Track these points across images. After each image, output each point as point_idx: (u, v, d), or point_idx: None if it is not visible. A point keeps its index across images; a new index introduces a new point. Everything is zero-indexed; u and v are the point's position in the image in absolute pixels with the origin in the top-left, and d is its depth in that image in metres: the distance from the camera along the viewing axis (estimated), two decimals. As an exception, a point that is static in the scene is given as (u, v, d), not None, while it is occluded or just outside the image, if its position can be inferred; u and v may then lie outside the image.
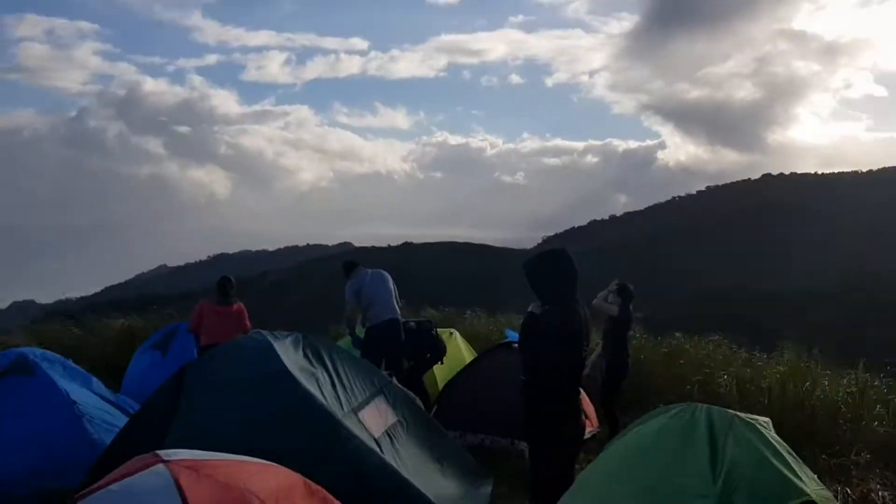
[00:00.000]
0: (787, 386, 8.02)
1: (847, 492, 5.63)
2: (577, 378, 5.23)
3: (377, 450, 5.49)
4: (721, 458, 3.64)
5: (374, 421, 5.91)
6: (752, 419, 3.95)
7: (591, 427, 8.70)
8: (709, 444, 3.74)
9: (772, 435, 3.90)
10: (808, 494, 3.46)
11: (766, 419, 4.10)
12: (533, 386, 5.15)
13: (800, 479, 3.55)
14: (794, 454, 3.88)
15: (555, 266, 5.26)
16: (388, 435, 5.98)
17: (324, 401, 5.47)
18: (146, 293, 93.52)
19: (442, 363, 9.73)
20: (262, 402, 5.39)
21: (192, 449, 3.88)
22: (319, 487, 3.57)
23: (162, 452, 3.10)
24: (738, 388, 8.56)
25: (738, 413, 3.98)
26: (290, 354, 5.74)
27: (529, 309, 5.25)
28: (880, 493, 5.51)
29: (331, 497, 3.63)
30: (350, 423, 5.52)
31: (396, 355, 9.00)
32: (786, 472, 3.57)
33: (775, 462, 3.61)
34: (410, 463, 5.86)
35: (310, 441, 5.21)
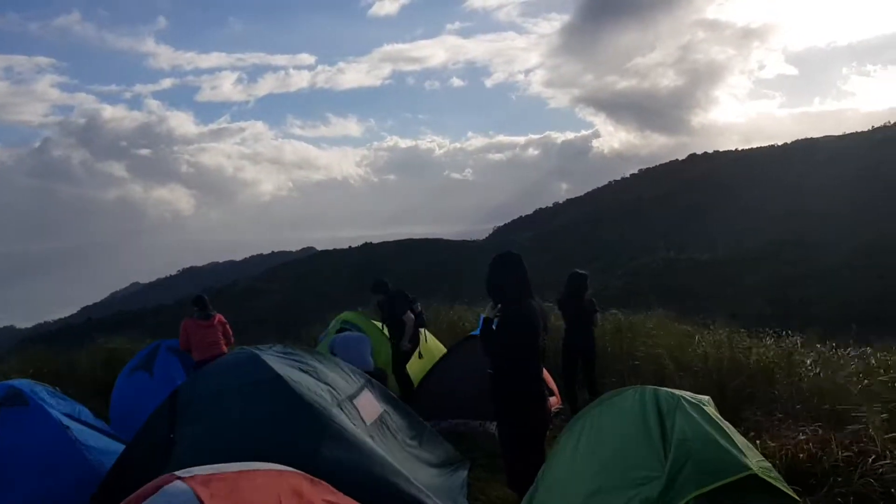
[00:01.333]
0: (722, 352, 8.24)
1: (782, 448, 5.80)
2: (539, 368, 5.25)
3: (369, 440, 5.52)
4: (669, 438, 3.73)
5: (367, 409, 5.99)
6: (696, 399, 4.07)
7: (556, 404, 8.87)
8: (658, 425, 3.83)
9: (714, 413, 4.02)
10: (751, 468, 3.55)
11: (707, 398, 4.22)
12: (499, 381, 5.20)
13: (742, 453, 3.65)
14: (735, 430, 4.01)
15: (502, 268, 5.31)
16: (380, 422, 6.07)
17: (314, 398, 5.48)
18: (122, 310, 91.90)
19: (421, 356, 9.76)
20: (255, 407, 5.37)
21: (195, 460, 3.89)
22: (320, 480, 3.61)
23: (178, 472, 3.09)
24: (677, 358, 8.76)
25: (684, 393, 4.09)
26: (275, 362, 5.75)
27: (484, 314, 5.29)
28: (809, 444, 5.71)
29: (332, 488, 3.66)
30: (346, 411, 5.58)
31: None
32: (730, 447, 3.66)
33: (719, 439, 3.70)
34: (397, 450, 5.94)
35: (304, 438, 5.23)
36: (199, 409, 5.34)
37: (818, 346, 8.73)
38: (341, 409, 5.70)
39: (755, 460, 3.70)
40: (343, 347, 8.35)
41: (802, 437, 5.86)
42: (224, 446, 4.87)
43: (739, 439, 3.86)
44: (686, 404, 3.92)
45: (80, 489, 5.63)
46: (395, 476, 5.24)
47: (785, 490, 3.63)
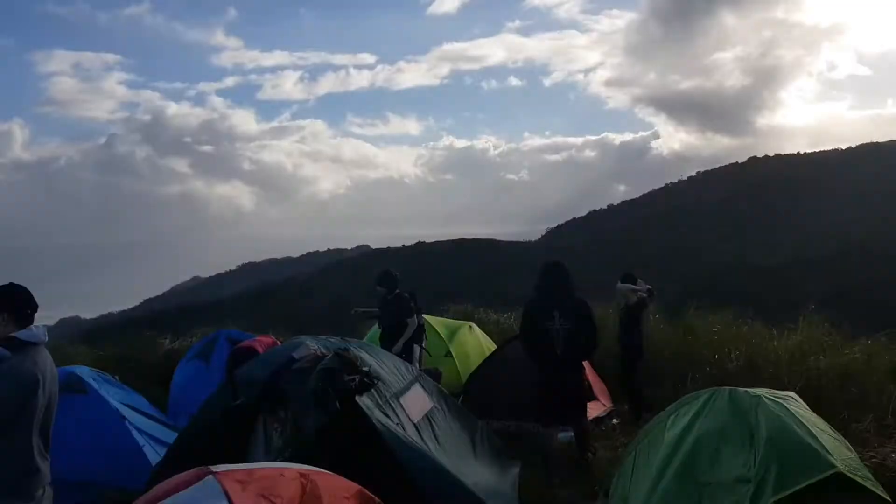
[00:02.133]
0: (796, 357, 7.91)
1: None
2: (546, 341, 6.58)
3: (416, 439, 5.42)
4: (754, 442, 3.55)
5: (414, 406, 5.90)
6: (780, 396, 3.86)
7: (605, 406, 8.65)
8: (741, 430, 3.65)
9: (800, 409, 3.80)
10: (836, 466, 3.36)
11: (792, 393, 4.00)
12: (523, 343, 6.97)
13: (828, 451, 3.45)
14: (828, 424, 3.78)
15: (541, 273, 6.83)
16: (428, 419, 5.97)
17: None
18: (182, 304, 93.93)
19: (424, 348, 9.41)
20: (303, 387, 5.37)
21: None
22: (374, 497, 3.44)
23: (214, 467, 3.01)
24: (749, 362, 8.44)
25: (764, 391, 3.88)
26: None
27: None
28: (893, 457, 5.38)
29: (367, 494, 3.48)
30: (389, 411, 5.49)
31: None
32: (815, 445, 3.47)
33: (804, 436, 3.51)
34: (448, 445, 5.84)
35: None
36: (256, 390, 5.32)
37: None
38: (396, 398, 5.68)
39: (842, 457, 3.50)
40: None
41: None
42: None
43: (828, 434, 3.65)
44: (768, 402, 3.73)
45: (135, 476, 5.67)
46: (439, 474, 5.13)
47: (872, 489, 3.40)
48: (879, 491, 3.47)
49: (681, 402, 4.24)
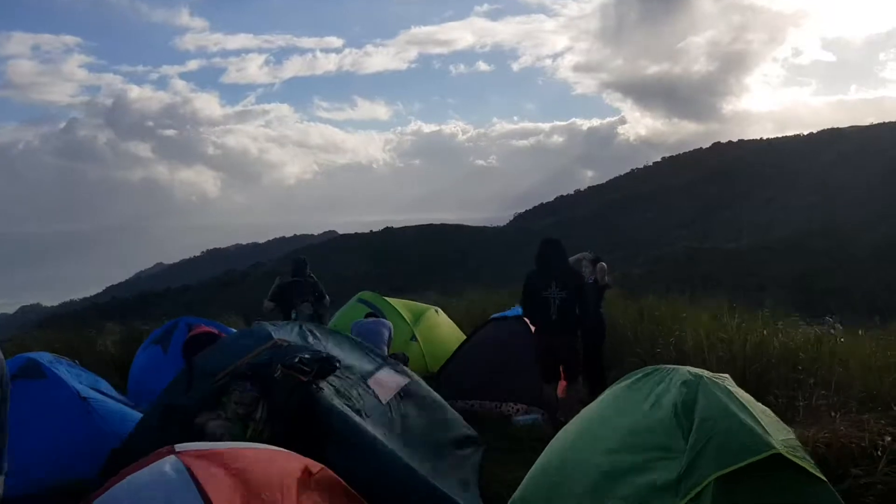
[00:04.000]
0: (748, 337, 8.07)
1: (807, 435, 5.63)
2: (544, 309, 7.49)
3: (370, 431, 5.40)
4: (691, 416, 3.62)
5: (383, 388, 5.96)
6: (718, 377, 3.94)
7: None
8: (680, 403, 3.72)
9: (738, 390, 3.89)
10: (775, 447, 3.42)
11: (726, 375, 4.09)
12: (524, 311, 7.99)
13: (767, 432, 3.52)
14: (763, 406, 3.86)
15: (540, 248, 7.75)
16: (398, 398, 6.04)
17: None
18: (146, 290, 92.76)
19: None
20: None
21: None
22: (322, 466, 3.51)
23: (176, 445, 3.06)
24: (702, 343, 8.60)
25: (703, 372, 3.96)
26: (293, 339, 5.70)
27: None
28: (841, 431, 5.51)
29: (332, 473, 3.58)
30: (355, 392, 5.52)
31: None
32: (753, 425, 3.54)
33: (743, 417, 3.59)
34: (416, 425, 5.89)
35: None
36: (207, 380, 5.30)
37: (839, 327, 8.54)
38: (363, 380, 5.72)
39: (780, 438, 3.57)
40: (359, 333, 8.47)
41: (838, 424, 5.67)
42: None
43: (765, 416, 3.73)
44: (707, 381, 3.81)
45: (98, 459, 5.64)
46: (398, 465, 5.13)
47: (811, 469, 3.48)
48: (817, 472, 3.53)
49: (627, 376, 4.31)
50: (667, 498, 3.38)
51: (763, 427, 3.55)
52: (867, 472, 4.93)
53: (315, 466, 3.43)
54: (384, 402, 5.81)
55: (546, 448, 4.51)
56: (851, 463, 5.09)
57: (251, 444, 3.43)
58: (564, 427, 4.57)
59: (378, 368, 6.26)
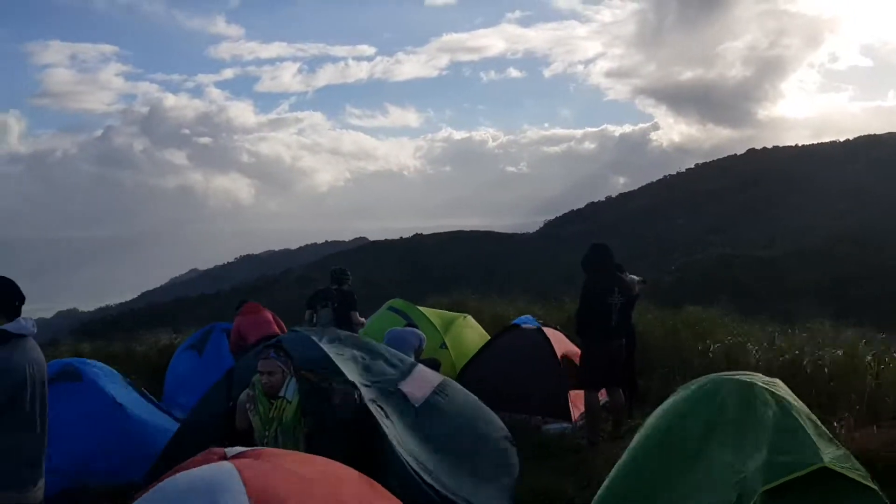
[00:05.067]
0: (778, 349, 7.97)
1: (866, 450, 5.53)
2: (607, 315, 7.46)
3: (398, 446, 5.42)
4: (746, 429, 3.60)
5: (416, 388, 6.01)
6: (768, 381, 3.87)
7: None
8: (734, 418, 3.69)
9: (788, 396, 3.81)
10: (823, 460, 3.37)
11: (779, 381, 4.01)
12: (582, 315, 7.68)
13: (815, 444, 3.47)
14: (812, 416, 3.78)
15: (588, 252, 7.77)
16: (436, 395, 6.12)
17: (357, 381, 5.46)
18: (180, 296, 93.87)
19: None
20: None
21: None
22: (379, 485, 3.40)
23: (227, 449, 3.02)
24: (729, 354, 8.52)
25: (757, 377, 3.89)
26: (326, 345, 5.76)
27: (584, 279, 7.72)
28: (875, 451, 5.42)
29: (389, 494, 3.44)
30: (386, 405, 5.55)
31: None
32: (803, 438, 3.51)
33: (793, 428, 3.56)
34: (453, 424, 5.97)
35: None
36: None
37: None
38: (395, 387, 5.76)
39: (829, 450, 3.51)
40: (389, 340, 8.63)
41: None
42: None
43: (813, 425, 3.67)
44: (761, 388, 3.75)
45: (131, 463, 5.73)
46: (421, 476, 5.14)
47: (860, 480, 3.41)
48: (867, 481, 3.47)
49: (677, 393, 4.24)
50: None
51: (811, 438, 3.50)
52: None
53: (378, 486, 3.35)
54: (419, 402, 5.84)
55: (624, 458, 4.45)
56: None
57: (315, 456, 3.38)
58: (628, 453, 4.52)
59: (410, 370, 6.30)
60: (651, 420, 4.34)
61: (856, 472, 3.48)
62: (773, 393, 3.79)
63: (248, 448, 3.09)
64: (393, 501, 3.35)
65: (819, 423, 3.83)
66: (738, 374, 4.08)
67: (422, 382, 6.22)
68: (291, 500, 2.77)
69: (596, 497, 4.22)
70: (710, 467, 3.63)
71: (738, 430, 3.64)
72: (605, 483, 4.24)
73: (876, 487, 3.48)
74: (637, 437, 4.33)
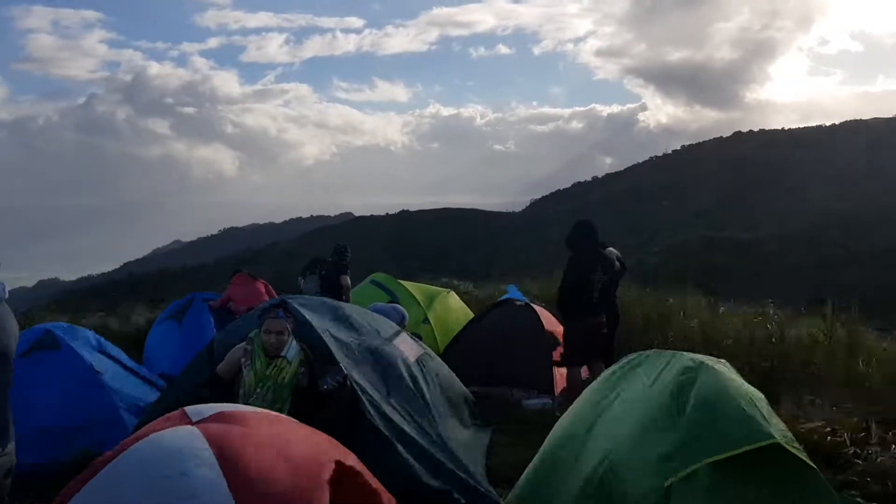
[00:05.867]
0: (753, 331, 8.07)
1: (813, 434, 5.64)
2: (589, 292, 7.48)
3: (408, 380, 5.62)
4: (688, 398, 3.62)
5: (408, 348, 6.13)
6: (718, 362, 3.94)
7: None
8: (677, 385, 3.72)
9: (736, 377, 3.89)
10: (774, 437, 3.41)
11: (724, 361, 4.09)
12: (565, 293, 7.66)
13: (766, 421, 3.52)
14: (760, 394, 3.85)
15: (573, 229, 7.78)
16: (420, 362, 6.16)
17: (341, 349, 5.47)
18: (163, 267, 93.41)
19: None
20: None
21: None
22: (351, 454, 3.34)
23: (188, 409, 2.95)
24: (706, 335, 8.62)
25: (704, 358, 3.96)
26: (309, 311, 5.75)
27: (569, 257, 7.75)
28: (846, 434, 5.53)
29: (362, 466, 3.40)
30: (388, 348, 5.79)
31: None
32: (753, 413, 3.54)
33: (743, 404, 3.59)
34: (436, 394, 5.99)
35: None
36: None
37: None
38: (389, 341, 5.91)
39: (779, 428, 3.57)
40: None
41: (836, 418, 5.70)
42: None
43: (761, 404, 3.74)
44: (708, 367, 3.81)
45: (108, 432, 5.72)
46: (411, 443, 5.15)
47: (806, 461, 3.48)
48: (811, 463, 3.53)
49: (627, 358, 4.33)
50: (664, 468, 3.41)
51: (762, 415, 3.55)
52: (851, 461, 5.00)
53: (347, 453, 3.29)
54: (411, 360, 5.95)
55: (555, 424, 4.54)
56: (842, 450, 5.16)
57: (283, 416, 3.34)
58: (572, 407, 4.61)
59: (397, 334, 6.38)
60: (596, 385, 4.43)
61: (800, 451, 3.55)
62: (719, 371, 3.85)
63: (212, 411, 3.00)
64: (361, 467, 3.34)
65: (766, 402, 3.89)
66: (685, 354, 4.13)
67: (410, 345, 6.35)
68: (262, 463, 2.71)
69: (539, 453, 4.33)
70: (644, 434, 3.68)
71: (679, 397, 3.67)
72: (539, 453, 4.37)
73: (814, 467, 3.56)
74: (583, 398, 4.43)
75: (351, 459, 3.26)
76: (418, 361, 6.16)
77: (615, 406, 3.99)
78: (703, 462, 3.30)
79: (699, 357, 3.98)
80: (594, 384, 4.46)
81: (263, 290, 9.73)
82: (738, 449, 3.33)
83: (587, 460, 3.80)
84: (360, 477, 3.28)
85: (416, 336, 8.84)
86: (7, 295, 3.77)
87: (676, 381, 3.73)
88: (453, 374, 6.92)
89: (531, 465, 4.42)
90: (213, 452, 2.66)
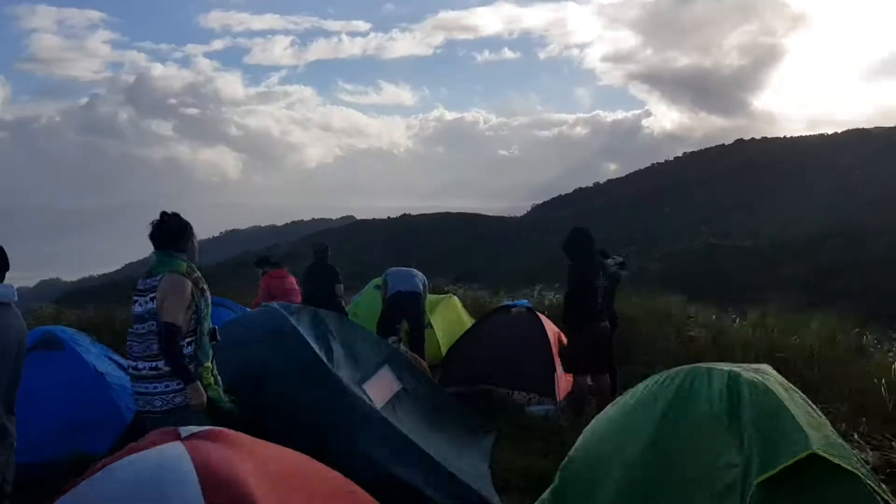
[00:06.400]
0: (758, 336, 8.06)
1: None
2: (594, 298, 7.51)
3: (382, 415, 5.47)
4: (737, 423, 3.55)
5: (377, 392, 5.89)
6: (754, 368, 3.86)
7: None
8: (726, 411, 3.63)
9: (778, 380, 3.80)
10: (811, 447, 3.34)
11: (766, 366, 4.00)
12: (570, 301, 7.68)
13: (805, 429, 3.45)
14: (802, 396, 3.78)
15: (570, 237, 7.72)
16: (392, 404, 5.97)
17: (330, 364, 5.47)
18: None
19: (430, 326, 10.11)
20: (275, 359, 5.47)
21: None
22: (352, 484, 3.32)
23: (181, 429, 2.90)
24: (714, 340, 8.60)
25: (741, 366, 3.88)
26: (301, 324, 5.74)
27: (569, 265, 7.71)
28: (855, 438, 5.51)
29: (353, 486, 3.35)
30: (357, 389, 5.51)
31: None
32: (793, 425, 3.49)
33: (781, 414, 3.54)
34: (411, 428, 5.77)
35: (320, 402, 5.23)
36: (219, 355, 5.35)
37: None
38: (358, 386, 5.68)
39: (820, 435, 3.49)
40: (397, 277, 9.72)
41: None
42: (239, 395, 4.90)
43: (804, 407, 3.67)
44: (745, 378, 3.73)
45: (111, 434, 5.71)
46: (409, 448, 5.20)
47: (852, 469, 3.39)
48: (857, 471, 3.44)
49: (653, 380, 4.18)
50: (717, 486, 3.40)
51: (802, 423, 3.49)
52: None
53: (342, 481, 3.29)
54: (378, 406, 5.70)
55: (580, 439, 4.44)
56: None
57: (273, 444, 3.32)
58: (597, 417, 4.51)
59: (377, 368, 6.18)
60: (624, 399, 4.32)
61: (844, 459, 3.45)
62: (756, 382, 3.76)
63: (203, 428, 2.98)
64: (352, 486, 3.32)
65: (812, 407, 3.83)
66: (720, 365, 4.03)
67: (383, 386, 6.12)
68: (248, 484, 2.64)
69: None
70: (696, 459, 3.62)
71: (720, 422, 3.61)
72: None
73: (859, 473, 3.46)
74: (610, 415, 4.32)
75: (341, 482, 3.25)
76: (390, 403, 5.98)
77: (659, 420, 3.87)
78: (756, 482, 3.25)
79: (736, 369, 3.88)
80: (637, 393, 4.29)
81: (296, 286, 10.02)
82: (779, 466, 3.27)
83: (629, 473, 3.76)
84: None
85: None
86: (16, 297, 3.79)
87: (725, 398, 3.67)
88: (440, 399, 6.81)
89: (563, 465, 4.32)
90: (198, 477, 2.60)
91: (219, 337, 4.73)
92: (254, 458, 2.84)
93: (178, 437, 2.82)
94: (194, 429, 2.92)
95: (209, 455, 2.71)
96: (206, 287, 4.62)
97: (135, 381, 4.50)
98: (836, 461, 3.37)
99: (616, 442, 4.02)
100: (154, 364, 4.39)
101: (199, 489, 2.55)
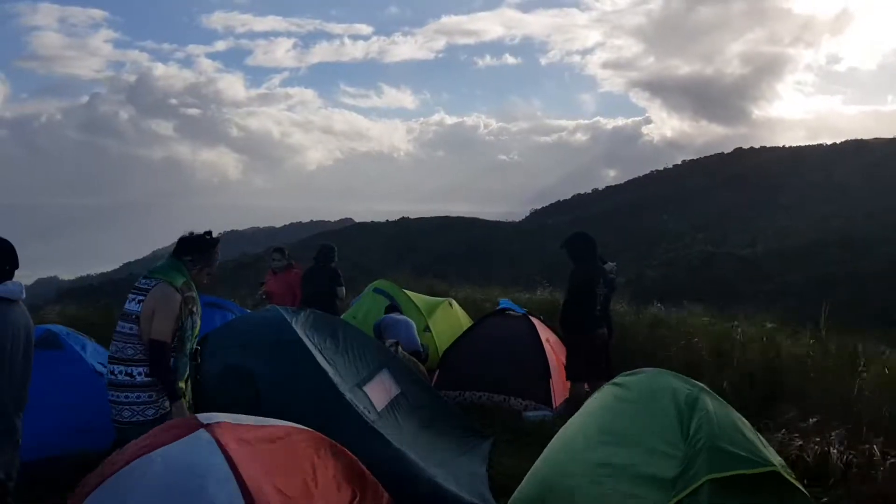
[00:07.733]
0: (752, 347, 8.09)
1: (806, 451, 5.65)
2: (594, 303, 7.53)
3: (376, 421, 5.45)
4: (692, 418, 3.61)
5: (377, 395, 5.89)
6: (707, 390, 3.95)
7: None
8: (682, 405, 3.70)
9: (730, 408, 3.90)
10: (775, 465, 3.41)
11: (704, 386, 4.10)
12: (570, 306, 7.70)
13: (766, 448, 3.54)
14: (751, 427, 3.88)
15: (575, 241, 7.75)
16: (391, 407, 5.97)
17: (330, 370, 5.47)
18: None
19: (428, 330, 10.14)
20: (275, 366, 5.43)
21: (210, 408, 3.80)
22: (346, 451, 3.48)
23: (201, 416, 2.98)
24: (711, 351, 8.62)
25: (697, 383, 3.97)
26: (301, 327, 5.74)
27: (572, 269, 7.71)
28: (836, 451, 5.54)
29: (356, 459, 3.54)
30: (354, 397, 5.49)
31: None
32: (754, 439, 3.56)
33: (744, 429, 3.61)
34: (410, 432, 5.85)
35: (316, 407, 5.23)
36: (219, 359, 5.36)
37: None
38: (359, 388, 5.69)
39: (775, 457, 3.59)
40: (391, 327, 8.97)
41: (830, 438, 5.70)
42: (237, 399, 4.91)
43: (755, 434, 3.76)
44: (708, 393, 3.83)
45: (111, 434, 5.70)
46: (402, 460, 5.17)
47: (803, 491, 3.49)
48: (807, 494, 3.55)
49: (622, 376, 4.31)
50: (661, 493, 3.39)
51: (763, 442, 3.58)
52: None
53: (336, 445, 3.41)
54: (379, 408, 5.75)
55: (549, 444, 4.53)
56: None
57: (273, 420, 3.38)
58: (565, 424, 4.61)
59: (375, 372, 6.17)
60: (591, 401, 4.42)
61: (797, 481, 3.56)
62: (716, 397, 3.87)
63: (222, 417, 3.04)
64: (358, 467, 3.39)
65: (756, 432, 3.91)
66: (680, 376, 4.13)
67: (383, 389, 6.12)
68: (276, 477, 2.76)
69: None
70: (645, 447, 3.67)
71: (687, 417, 3.67)
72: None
73: (811, 499, 3.60)
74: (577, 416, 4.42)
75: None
76: (390, 406, 6.00)
77: (615, 421, 3.96)
78: (706, 478, 3.28)
79: (696, 382, 3.98)
80: (595, 396, 4.45)
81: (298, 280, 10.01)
82: (738, 470, 3.32)
83: (588, 474, 3.79)
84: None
85: (424, 347, 8.95)
86: (24, 295, 3.81)
87: (680, 402, 3.71)
88: (439, 400, 6.84)
89: (529, 475, 4.41)
90: (232, 472, 2.70)
91: (199, 359, 4.74)
92: (273, 443, 3.01)
93: (199, 424, 2.91)
94: (216, 417, 3.00)
95: (239, 447, 2.83)
96: (196, 310, 4.64)
97: (109, 386, 4.51)
98: (794, 482, 3.48)
99: (575, 443, 4.18)
100: (129, 369, 4.39)
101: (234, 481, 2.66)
